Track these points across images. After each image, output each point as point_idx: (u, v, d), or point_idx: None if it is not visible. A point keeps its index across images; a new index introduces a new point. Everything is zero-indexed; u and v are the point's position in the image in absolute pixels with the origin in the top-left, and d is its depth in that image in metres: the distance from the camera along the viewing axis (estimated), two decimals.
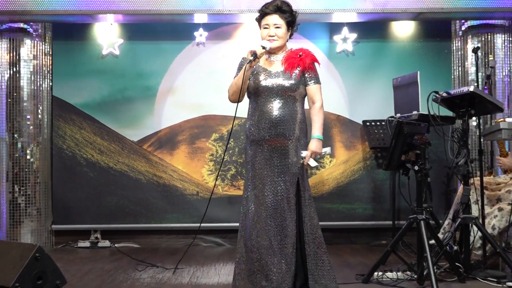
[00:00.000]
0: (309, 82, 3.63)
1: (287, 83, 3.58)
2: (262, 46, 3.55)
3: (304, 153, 3.52)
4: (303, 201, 3.64)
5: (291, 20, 3.66)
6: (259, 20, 3.70)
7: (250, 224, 3.59)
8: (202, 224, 5.63)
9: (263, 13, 3.64)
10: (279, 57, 3.67)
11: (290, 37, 3.73)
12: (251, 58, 3.52)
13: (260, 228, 3.56)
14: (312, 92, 3.62)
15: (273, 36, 3.60)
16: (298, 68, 3.59)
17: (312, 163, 3.50)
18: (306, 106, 3.67)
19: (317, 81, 3.65)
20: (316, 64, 3.66)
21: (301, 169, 3.62)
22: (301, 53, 3.64)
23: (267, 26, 3.62)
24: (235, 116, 3.66)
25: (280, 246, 3.54)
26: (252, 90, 3.63)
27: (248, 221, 3.61)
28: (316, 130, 3.56)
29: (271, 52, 3.64)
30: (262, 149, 3.61)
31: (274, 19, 3.61)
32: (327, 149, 3.56)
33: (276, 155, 3.58)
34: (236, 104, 3.61)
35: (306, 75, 3.62)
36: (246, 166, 3.71)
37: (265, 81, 3.59)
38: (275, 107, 3.58)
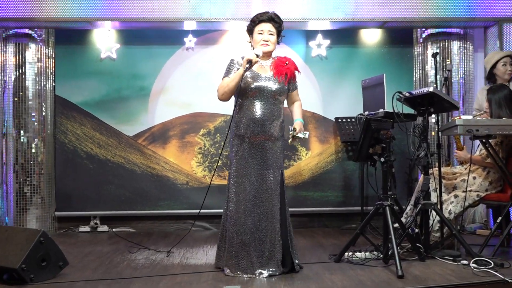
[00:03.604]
0: (292, 89, 3.74)
1: (275, 87, 3.59)
2: (256, 54, 3.54)
3: (295, 127, 3.60)
4: (285, 191, 3.67)
5: (280, 30, 3.69)
6: (252, 26, 3.67)
7: (233, 213, 3.57)
8: (191, 210, 5.64)
9: (258, 20, 3.63)
10: (268, 63, 3.67)
11: (277, 44, 3.74)
12: (247, 65, 3.49)
13: (246, 216, 3.53)
14: (294, 95, 3.78)
15: (267, 41, 3.61)
16: (285, 76, 3.61)
17: (301, 135, 3.56)
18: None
19: (297, 87, 3.79)
20: (296, 72, 3.72)
21: (282, 163, 3.66)
22: (287, 62, 3.67)
23: (262, 32, 3.62)
24: (233, 115, 3.62)
25: (265, 231, 3.54)
26: (241, 90, 3.57)
27: (230, 210, 3.59)
28: (299, 116, 3.71)
29: (261, 57, 3.62)
30: (247, 144, 3.58)
31: (269, 27, 3.63)
32: (307, 133, 3.60)
33: (260, 150, 3.57)
34: (235, 102, 3.63)
35: (291, 82, 3.70)
36: (231, 159, 3.68)
37: (255, 84, 3.57)
38: (261, 107, 3.57)
